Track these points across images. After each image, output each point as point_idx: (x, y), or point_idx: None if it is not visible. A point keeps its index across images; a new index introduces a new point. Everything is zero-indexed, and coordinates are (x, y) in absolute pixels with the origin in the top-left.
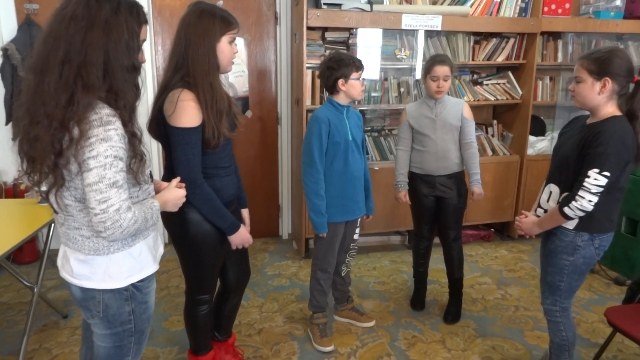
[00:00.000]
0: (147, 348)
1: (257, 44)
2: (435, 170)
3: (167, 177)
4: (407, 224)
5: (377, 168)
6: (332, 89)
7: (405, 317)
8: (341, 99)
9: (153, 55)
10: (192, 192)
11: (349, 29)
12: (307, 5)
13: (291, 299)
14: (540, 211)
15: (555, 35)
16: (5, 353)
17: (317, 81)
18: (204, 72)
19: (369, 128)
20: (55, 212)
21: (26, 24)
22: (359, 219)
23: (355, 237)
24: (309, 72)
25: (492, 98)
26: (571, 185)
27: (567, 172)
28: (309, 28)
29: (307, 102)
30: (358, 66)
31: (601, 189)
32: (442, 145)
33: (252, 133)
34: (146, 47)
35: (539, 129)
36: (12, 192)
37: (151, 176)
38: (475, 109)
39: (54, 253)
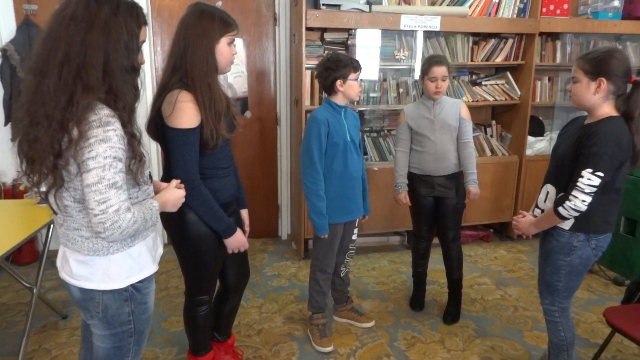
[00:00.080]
0: (147, 349)
1: (256, 45)
2: (434, 170)
3: (166, 177)
4: (406, 225)
5: (376, 169)
6: (330, 89)
7: (404, 318)
8: (339, 99)
9: (152, 56)
10: (189, 193)
11: (348, 30)
12: (306, 6)
13: (290, 300)
14: (537, 211)
15: (554, 36)
16: (4, 354)
17: (317, 82)
18: (203, 73)
19: (368, 128)
20: (55, 212)
21: (25, 24)
22: (357, 220)
23: (354, 237)
24: (308, 72)
25: (490, 98)
26: (567, 185)
27: (563, 172)
28: (308, 29)
29: (306, 102)
30: (356, 67)
31: (594, 189)
32: (440, 146)
33: (251, 133)
34: (145, 48)
35: (537, 130)
36: (11, 192)
37: (150, 177)
38: (474, 109)
39: (53, 254)
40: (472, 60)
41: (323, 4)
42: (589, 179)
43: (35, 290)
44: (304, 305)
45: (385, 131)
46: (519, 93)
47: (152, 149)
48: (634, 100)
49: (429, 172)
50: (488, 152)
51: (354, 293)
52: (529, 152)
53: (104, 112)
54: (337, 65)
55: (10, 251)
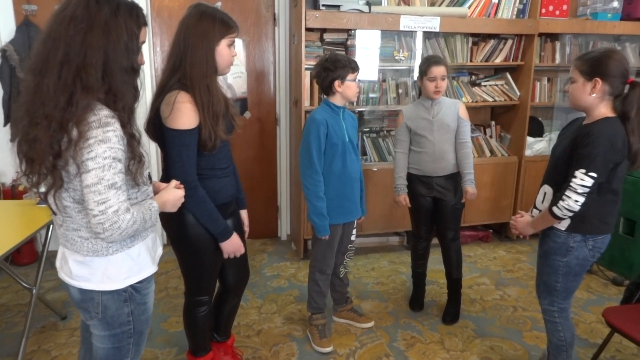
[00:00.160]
0: (146, 349)
1: (256, 45)
2: (433, 171)
3: (165, 178)
4: (406, 225)
5: (375, 169)
6: (328, 90)
7: (404, 318)
8: (337, 100)
9: (151, 57)
10: (186, 194)
11: (347, 30)
12: (305, 7)
13: (290, 300)
14: (535, 212)
15: (553, 37)
16: (3, 354)
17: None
18: (202, 75)
19: (367, 129)
20: (54, 213)
21: (24, 24)
22: (355, 220)
23: (353, 238)
24: (308, 73)
25: (490, 99)
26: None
27: (559, 173)
28: (308, 29)
29: (306, 103)
30: (354, 67)
31: (587, 190)
32: (439, 146)
33: (250, 134)
34: (145, 49)
35: (536, 130)
36: (11, 193)
37: (150, 177)
38: (473, 110)
39: (53, 254)
40: (471, 61)
41: (322, 5)
42: (582, 180)
43: (34, 291)
44: (304, 306)
45: (385, 132)
46: (518, 94)
47: (151, 150)
48: (629, 101)
49: (428, 173)
50: (487, 153)
51: (353, 293)
52: (528, 152)
53: (103, 113)
54: (335, 66)
55: (10, 252)
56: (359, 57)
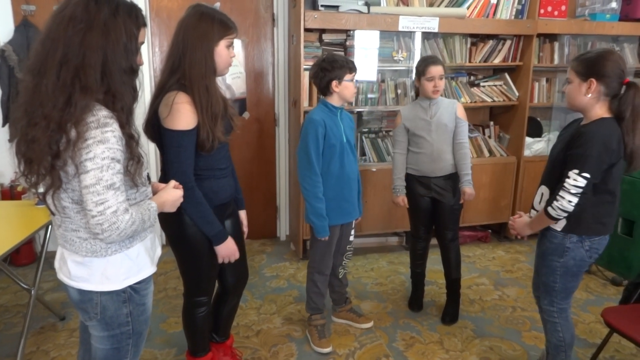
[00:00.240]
0: (145, 350)
1: (255, 46)
2: (431, 171)
3: (164, 179)
4: (405, 225)
5: (374, 169)
6: (326, 90)
7: (403, 318)
8: (334, 100)
9: (150, 57)
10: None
11: (346, 31)
12: (304, 7)
13: (289, 301)
14: (533, 212)
15: (552, 37)
16: (2, 355)
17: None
18: (201, 75)
19: (366, 129)
20: (53, 214)
21: (23, 25)
22: (354, 221)
23: (351, 239)
24: (307, 73)
25: (488, 100)
26: None
27: (556, 174)
28: (307, 30)
29: (305, 103)
30: (351, 68)
31: (580, 190)
32: (437, 147)
33: (249, 134)
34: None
35: (535, 131)
36: (9, 193)
37: (148, 178)
38: (472, 110)
39: (51, 255)
40: (470, 62)
41: (321, 5)
42: (575, 180)
43: (33, 292)
44: (303, 306)
45: (384, 132)
46: (517, 94)
47: (150, 150)
48: (624, 101)
49: (426, 173)
50: (486, 153)
51: (352, 294)
52: (527, 152)
53: (102, 113)
54: (332, 66)
55: (8, 252)
56: (357, 58)
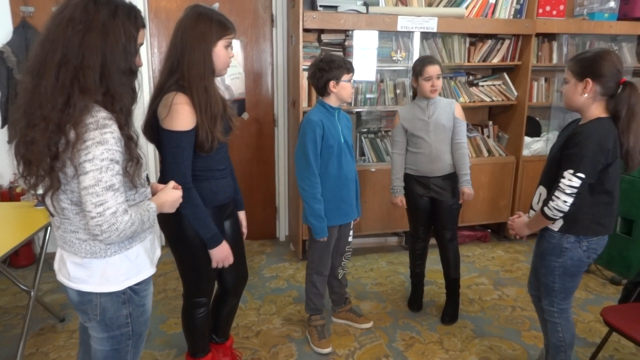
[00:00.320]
0: (145, 351)
1: (254, 46)
2: (430, 171)
3: (163, 180)
4: (404, 225)
5: (373, 170)
6: (323, 90)
7: (402, 318)
8: (332, 100)
9: (149, 58)
10: None
11: (345, 31)
12: (303, 7)
13: (289, 301)
14: (532, 212)
15: (550, 37)
16: (2, 357)
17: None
18: (199, 76)
19: (365, 130)
20: (52, 215)
21: (22, 26)
22: (352, 222)
23: (350, 239)
24: (306, 74)
25: (487, 99)
26: None
27: (554, 174)
28: (305, 30)
29: (304, 104)
30: (349, 68)
31: (575, 190)
32: (435, 147)
33: (248, 135)
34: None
35: (534, 130)
36: (8, 195)
37: (148, 179)
38: (470, 110)
39: (51, 256)
40: (468, 61)
41: (320, 6)
42: (570, 180)
43: (32, 293)
44: (303, 307)
45: (383, 132)
46: (516, 94)
47: (149, 151)
48: (620, 101)
49: (425, 173)
50: (485, 153)
51: (352, 294)
52: (525, 152)
53: (101, 115)
54: (330, 66)
55: (8, 254)
56: (356, 58)
